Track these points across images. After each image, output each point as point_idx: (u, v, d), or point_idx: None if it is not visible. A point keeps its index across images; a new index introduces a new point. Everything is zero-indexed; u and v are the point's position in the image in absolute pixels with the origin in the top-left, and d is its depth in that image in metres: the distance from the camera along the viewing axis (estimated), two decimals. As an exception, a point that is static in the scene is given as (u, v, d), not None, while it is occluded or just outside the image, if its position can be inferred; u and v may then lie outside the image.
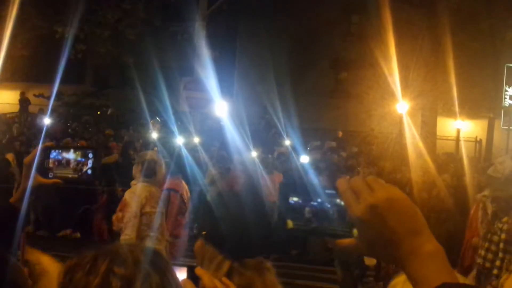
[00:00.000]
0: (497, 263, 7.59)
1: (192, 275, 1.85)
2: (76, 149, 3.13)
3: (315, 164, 15.90)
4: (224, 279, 1.86)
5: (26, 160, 2.81)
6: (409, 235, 1.37)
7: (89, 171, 3.07)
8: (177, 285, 1.60)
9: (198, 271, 1.83)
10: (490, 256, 7.67)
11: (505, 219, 7.65)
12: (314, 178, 13.84)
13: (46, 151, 2.97)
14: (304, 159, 16.39)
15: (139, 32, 27.74)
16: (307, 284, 12.30)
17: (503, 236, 7.60)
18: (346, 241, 1.49)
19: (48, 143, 3.16)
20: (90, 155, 3.08)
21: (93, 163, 3.07)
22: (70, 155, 3.02)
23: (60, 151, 3.04)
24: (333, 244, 1.51)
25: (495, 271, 7.54)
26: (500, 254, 7.61)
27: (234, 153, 16.14)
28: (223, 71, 24.39)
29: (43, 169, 2.93)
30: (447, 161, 18.12)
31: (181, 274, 1.89)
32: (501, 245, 7.59)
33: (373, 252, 1.45)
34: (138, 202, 7.67)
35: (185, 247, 9.16)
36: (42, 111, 27.51)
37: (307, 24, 29.33)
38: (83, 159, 3.03)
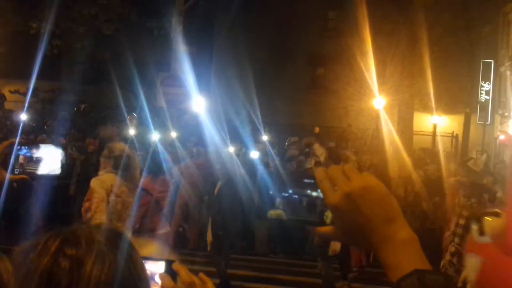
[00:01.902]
0: (452, 249, 7.77)
1: (169, 270, 1.84)
2: (42, 145, 3.10)
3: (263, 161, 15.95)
4: (201, 275, 1.87)
5: None
6: (383, 223, 1.41)
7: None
8: (136, 264, 1.57)
9: (175, 266, 1.83)
10: (456, 240, 7.85)
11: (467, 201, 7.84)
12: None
13: (10, 148, 2.94)
14: (254, 154, 16.37)
15: (116, 28, 27.60)
16: (292, 279, 12.36)
17: (461, 221, 7.78)
18: (324, 228, 1.51)
19: (13, 140, 3.13)
20: (60, 152, 3.05)
21: (61, 160, 3.05)
22: (43, 151, 3.00)
23: (30, 147, 3.02)
24: (312, 231, 1.54)
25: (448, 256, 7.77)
26: (456, 239, 7.79)
27: (211, 148, 16.16)
28: (200, 66, 24.37)
29: (8, 165, 2.90)
30: (423, 156, 18.20)
31: (159, 268, 1.87)
32: (458, 230, 7.79)
33: (348, 239, 1.49)
34: (104, 188, 7.64)
35: (169, 243, 9.18)
36: (12, 111, 27.34)
37: (284, 20, 29.35)
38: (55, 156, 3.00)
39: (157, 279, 1.84)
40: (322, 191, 1.46)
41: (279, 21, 29.49)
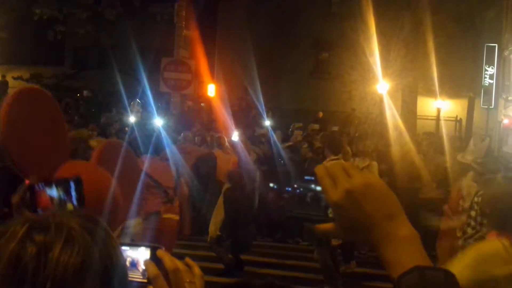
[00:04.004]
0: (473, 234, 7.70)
1: (155, 257, 1.84)
2: None
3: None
4: (187, 259, 1.86)
5: None
6: (384, 220, 1.41)
7: None
8: (109, 249, 1.57)
9: (160, 253, 1.84)
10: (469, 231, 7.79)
11: (480, 192, 7.75)
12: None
13: None
14: (235, 136, 16.18)
15: (119, 13, 27.57)
16: (297, 264, 12.40)
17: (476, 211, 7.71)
18: (325, 225, 1.52)
19: None
20: None
21: None
22: None
23: None
24: (313, 228, 1.55)
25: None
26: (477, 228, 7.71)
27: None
28: (203, 52, 24.34)
29: None
30: (434, 140, 18.19)
31: (144, 255, 1.87)
32: (478, 218, 7.71)
33: (349, 236, 1.51)
34: None
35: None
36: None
37: (288, 4, 29.28)
38: None
39: (142, 266, 1.85)
40: (323, 188, 1.46)
41: (282, 5, 29.42)
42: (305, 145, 18.06)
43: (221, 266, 11.37)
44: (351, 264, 11.85)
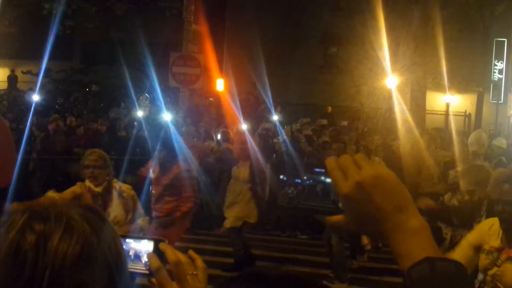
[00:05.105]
0: None
1: (158, 249, 1.85)
2: None
3: None
4: (191, 252, 1.87)
5: None
6: (395, 211, 1.41)
7: None
8: (109, 239, 1.58)
9: (162, 245, 1.84)
10: None
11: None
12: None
13: None
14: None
15: (127, 8, 27.60)
16: (297, 257, 12.39)
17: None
18: (335, 217, 1.51)
19: None
20: None
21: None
22: None
23: None
24: (323, 220, 1.56)
25: None
26: None
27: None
28: (212, 46, 24.32)
29: None
30: (435, 135, 18.15)
31: (148, 248, 1.88)
32: None
33: (359, 228, 1.50)
34: None
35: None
36: (30, 89, 27.44)
37: (296, -1, 29.26)
38: None
39: (145, 258, 1.86)
40: (333, 180, 1.46)
41: (291, 0, 29.39)
42: (303, 140, 18.04)
43: (230, 260, 11.33)
44: (361, 258, 11.83)
